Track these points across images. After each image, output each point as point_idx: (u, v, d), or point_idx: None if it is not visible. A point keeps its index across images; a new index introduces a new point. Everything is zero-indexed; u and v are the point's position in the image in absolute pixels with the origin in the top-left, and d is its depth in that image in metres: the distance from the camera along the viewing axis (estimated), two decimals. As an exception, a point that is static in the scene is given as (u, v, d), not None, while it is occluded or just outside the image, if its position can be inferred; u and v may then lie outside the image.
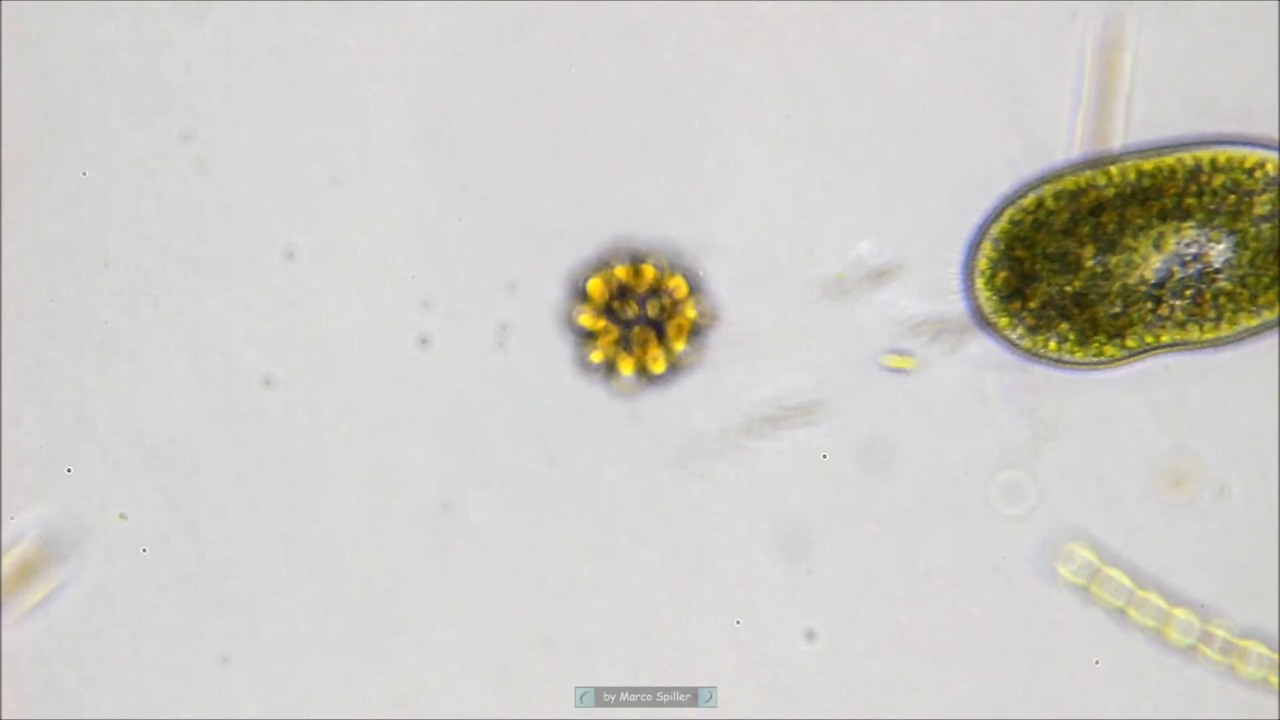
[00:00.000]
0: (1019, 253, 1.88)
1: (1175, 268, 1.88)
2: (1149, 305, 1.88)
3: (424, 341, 2.01)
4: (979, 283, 1.92)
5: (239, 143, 2.00)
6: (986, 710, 2.02)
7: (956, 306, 1.99)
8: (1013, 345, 1.89)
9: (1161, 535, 2.01)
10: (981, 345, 1.98)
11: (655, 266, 2.00)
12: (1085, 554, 1.99)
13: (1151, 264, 1.88)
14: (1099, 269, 1.86)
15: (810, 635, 2.02)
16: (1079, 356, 1.91)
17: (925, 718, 2.03)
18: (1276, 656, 1.99)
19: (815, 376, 2.01)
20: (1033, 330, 1.90)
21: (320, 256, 2.01)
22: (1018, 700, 2.02)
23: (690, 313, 2.00)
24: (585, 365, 2.02)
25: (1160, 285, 1.88)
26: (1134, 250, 1.87)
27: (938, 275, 2.00)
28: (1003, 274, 1.86)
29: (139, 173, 1.99)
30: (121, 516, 2.00)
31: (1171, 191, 1.86)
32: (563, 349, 2.01)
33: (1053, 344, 1.91)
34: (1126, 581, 2.00)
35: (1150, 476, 2.00)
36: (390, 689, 2.02)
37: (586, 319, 1.99)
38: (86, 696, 2.00)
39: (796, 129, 2.00)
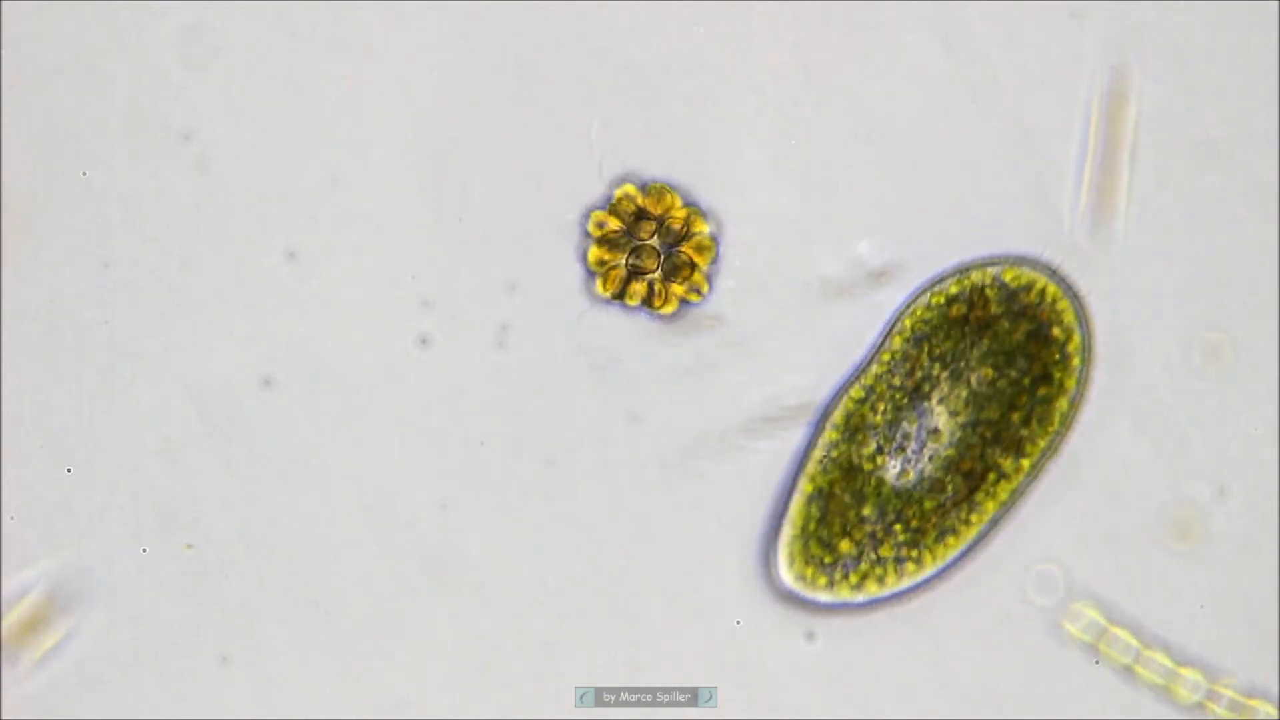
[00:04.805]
0: None
1: None
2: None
3: (424, 341, 2.01)
4: None
5: (239, 143, 2.00)
6: (986, 710, 2.02)
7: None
8: None
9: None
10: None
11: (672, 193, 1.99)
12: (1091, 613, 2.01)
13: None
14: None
15: (810, 635, 2.02)
16: None
17: (925, 718, 2.03)
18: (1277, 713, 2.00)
19: (815, 377, 2.01)
20: None
21: (320, 257, 2.01)
22: (1017, 699, 2.03)
23: (702, 241, 1.99)
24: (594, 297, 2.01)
25: None
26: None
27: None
28: None
29: (139, 173, 1.99)
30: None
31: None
32: (563, 349, 2.01)
33: None
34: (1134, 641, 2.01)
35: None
36: (390, 689, 2.02)
37: (596, 244, 1.97)
38: (87, 696, 2.00)
39: (797, 130, 2.00)
